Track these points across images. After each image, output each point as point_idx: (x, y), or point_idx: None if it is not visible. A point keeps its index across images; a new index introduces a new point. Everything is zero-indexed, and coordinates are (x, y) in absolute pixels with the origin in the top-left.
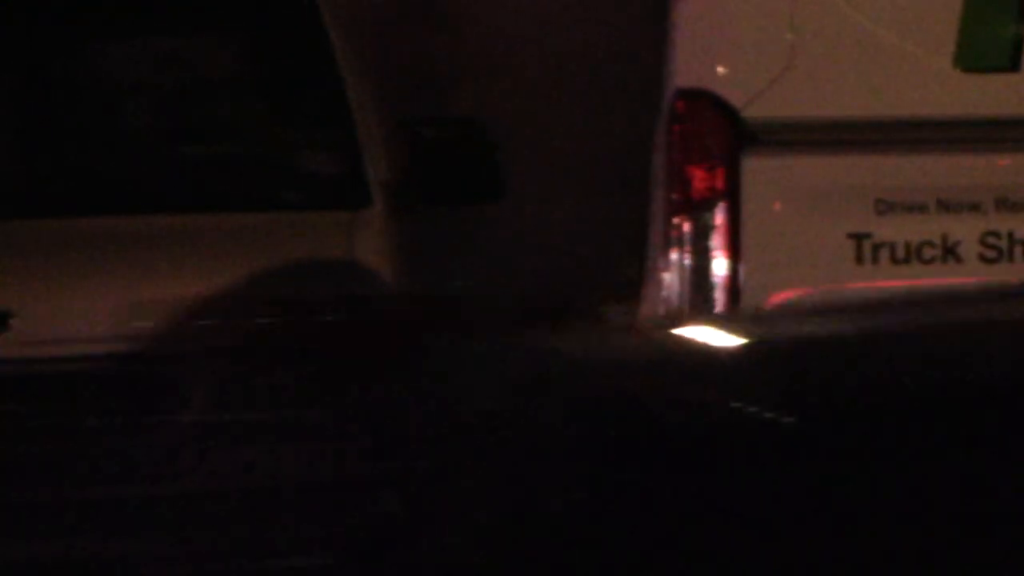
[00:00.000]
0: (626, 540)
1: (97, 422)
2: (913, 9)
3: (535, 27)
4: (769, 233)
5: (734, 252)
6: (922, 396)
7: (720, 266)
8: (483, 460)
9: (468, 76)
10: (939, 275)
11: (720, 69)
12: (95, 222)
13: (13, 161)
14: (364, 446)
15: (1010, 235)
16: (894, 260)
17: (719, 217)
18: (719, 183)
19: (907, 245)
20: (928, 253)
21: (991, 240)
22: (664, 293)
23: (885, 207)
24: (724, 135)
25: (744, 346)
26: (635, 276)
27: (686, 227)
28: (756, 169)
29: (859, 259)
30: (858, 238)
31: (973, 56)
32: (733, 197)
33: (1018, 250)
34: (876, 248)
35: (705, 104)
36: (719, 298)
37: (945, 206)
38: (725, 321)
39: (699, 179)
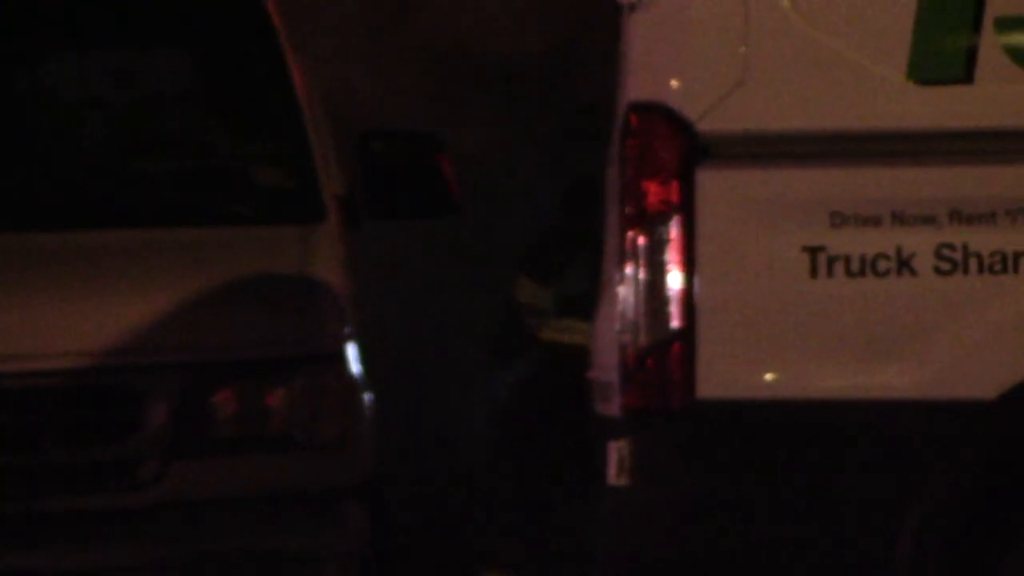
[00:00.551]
0: None
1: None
2: (866, 22)
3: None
4: (723, 246)
5: (689, 265)
6: None
7: (675, 279)
8: None
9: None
10: (894, 287)
11: (673, 83)
12: (48, 237)
13: None
14: None
15: (965, 247)
16: (849, 273)
17: (673, 231)
18: (673, 196)
19: (862, 258)
20: (883, 266)
21: (946, 252)
22: (619, 307)
23: (839, 220)
24: (678, 149)
25: None
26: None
27: (641, 240)
28: (710, 182)
29: (814, 272)
30: (813, 251)
31: (926, 68)
32: (687, 210)
33: (973, 262)
34: (831, 261)
35: (658, 118)
36: (673, 312)
37: (899, 219)
38: None
39: (653, 193)
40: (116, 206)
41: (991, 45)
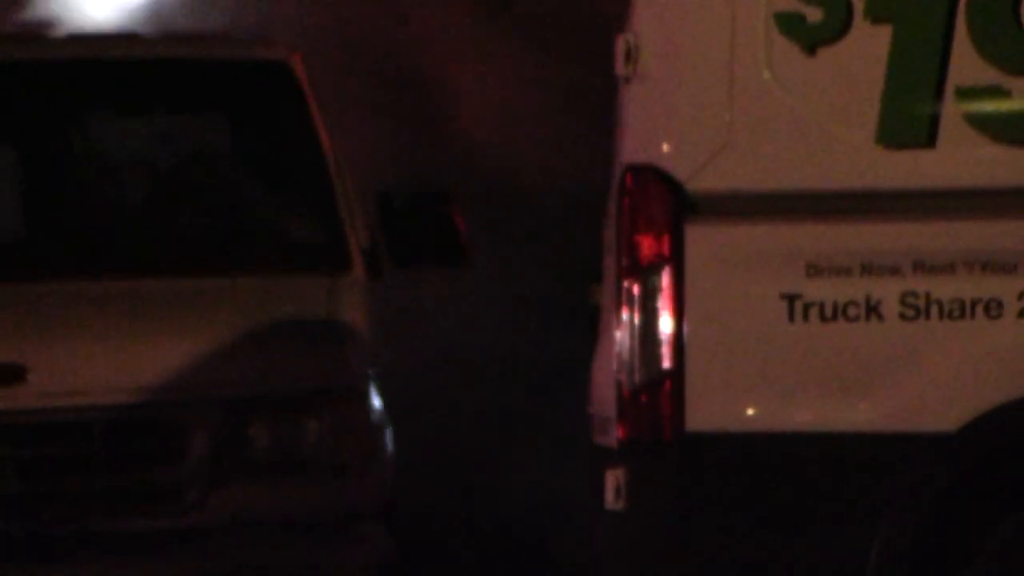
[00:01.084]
0: None
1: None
2: (839, 92)
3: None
4: (710, 294)
5: (678, 311)
6: None
7: (666, 323)
8: None
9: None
10: (863, 331)
11: (665, 146)
12: (99, 285)
13: (23, 232)
14: None
15: (927, 295)
16: (823, 318)
17: (665, 280)
18: (664, 249)
19: (834, 304)
20: (853, 312)
21: (910, 299)
22: (616, 348)
23: (814, 270)
24: (669, 206)
25: None
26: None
27: (635, 289)
28: (698, 236)
29: (791, 317)
30: (790, 298)
31: (893, 134)
32: (677, 261)
33: (934, 308)
34: (806, 307)
35: (651, 178)
36: (665, 352)
37: (868, 269)
38: None
39: (646, 246)
40: (163, 257)
41: (952, 113)
